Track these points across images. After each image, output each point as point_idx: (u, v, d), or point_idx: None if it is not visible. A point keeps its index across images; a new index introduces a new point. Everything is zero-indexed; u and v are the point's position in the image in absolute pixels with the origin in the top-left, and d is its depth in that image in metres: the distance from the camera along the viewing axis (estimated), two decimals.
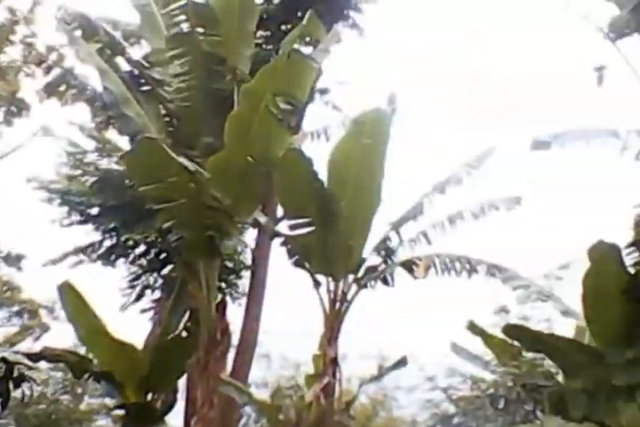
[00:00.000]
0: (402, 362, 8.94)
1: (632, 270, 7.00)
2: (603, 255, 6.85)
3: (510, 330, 7.49)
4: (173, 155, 6.83)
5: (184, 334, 8.51)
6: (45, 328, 13.78)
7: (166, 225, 7.58)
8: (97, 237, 10.62)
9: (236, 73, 7.44)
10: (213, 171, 7.24)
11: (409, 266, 7.98)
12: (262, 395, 11.04)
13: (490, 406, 8.53)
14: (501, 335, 8.52)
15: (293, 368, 11.86)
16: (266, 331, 11.29)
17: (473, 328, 8.67)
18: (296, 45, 6.73)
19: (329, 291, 8.23)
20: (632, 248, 7.04)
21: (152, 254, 10.84)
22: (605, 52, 7.69)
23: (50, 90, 8.01)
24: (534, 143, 6.37)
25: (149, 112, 7.74)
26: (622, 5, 7.71)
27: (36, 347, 13.04)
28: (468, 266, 7.67)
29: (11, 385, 8.66)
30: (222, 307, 9.78)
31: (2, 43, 7.65)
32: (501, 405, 8.47)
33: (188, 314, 8.57)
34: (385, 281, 8.18)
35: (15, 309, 13.78)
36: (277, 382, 11.69)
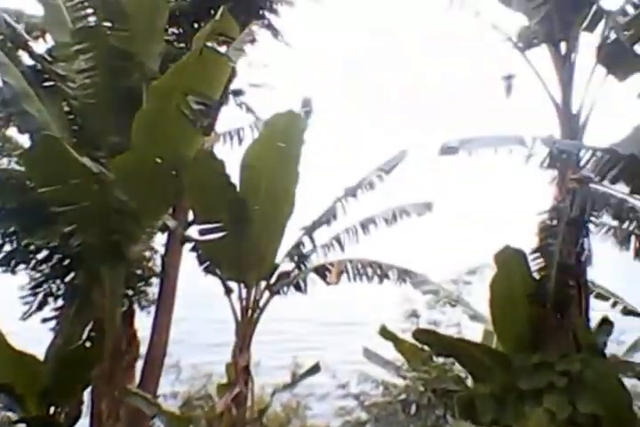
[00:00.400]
0: (315, 369, 8.92)
1: (537, 276, 7.19)
2: (509, 260, 7.04)
3: (420, 335, 7.56)
4: (75, 154, 6.48)
5: (87, 344, 8.04)
6: None
7: (68, 229, 7.22)
8: None
9: (144, 70, 7.14)
10: (119, 172, 6.92)
11: (322, 272, 7.93)
12: (173, 406, 10.64)
13: (402, 412, 8.52)
14: (412, 340, 8.63)
15: (205, 378, 11.50)
16: (176, 340, 10.92)
17: (385, 333, 8.66)
18: (209, 43, 6.46)
19: (241, 298, 8.05)
20: (536, 254, 7.24)
21: (55, 260, 10.28)
22: (515, 62, 7.92)
23: None
24: (443, 149, 6.43)
25: (51, 109, 7.34)
26: (531, 16, 7.96)
27: None
28: (379, 271, 7.70)
29: None
30: (130, 315, 9.51)
31: None
32: (413, 410, 8.47)
33: (91, 323, 8.18)
34: (298, 287, 8.07)
35: None
36: (188, 392, 11.29)
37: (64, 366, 7.82)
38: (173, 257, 10.25)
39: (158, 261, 10.71)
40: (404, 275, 7.59)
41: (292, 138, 7.71)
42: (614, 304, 8.14)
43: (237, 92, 10.32)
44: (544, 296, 6.97)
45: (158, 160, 7.02)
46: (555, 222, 7.21)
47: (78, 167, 6.57)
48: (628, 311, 8.11)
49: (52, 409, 7.97)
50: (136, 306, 10.51)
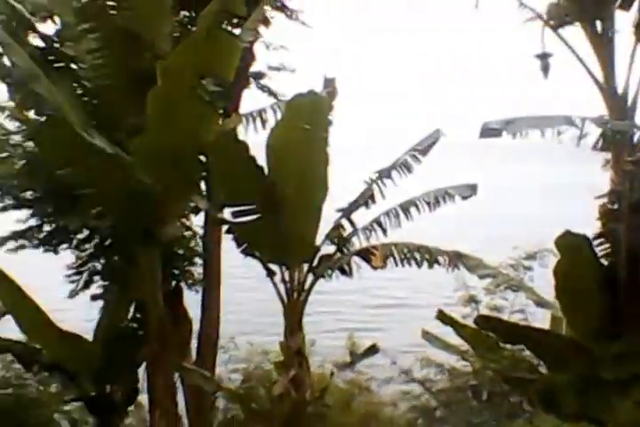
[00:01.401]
0: (372, 349, 8.61)
1: (604, 262, 6.52)
2: (571, 246, 6.41)
3: (483, 321, 6.99)
4: (86, 135, 6.07)
5: (133, 324, 8.21)
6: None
7: (94, 212, 7.04)
8: (23, 224, 9.84)
9: (155, 51, 6.56)
10: (138, 154, 6.52)
11: (366, 255, 7.50)
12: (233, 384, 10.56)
13: (472, 399, 8.09)
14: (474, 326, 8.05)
15: (261, 355, 11.30)
16: (227, 319, 10.69)
17: (443, 318, 8.12)
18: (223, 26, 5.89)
19: (284, 280, 7.71)
20: (601, 239, 6.56)
21: (97, 239, 10.07)
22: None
23: None
24: (483, 130, 5.91)
25: (64, 91, 6.85)
26: None
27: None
28: (428, 256, 7.21)
29: None
30: (178, 294, 9.30)
31: None
32: (484, 397, 8.03)
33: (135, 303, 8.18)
34: (342, 271, 7.71)
35: None
36: (246, 369, 11.12)
37: (113, 346, 7.89)
38: (213, 237, 9.90)
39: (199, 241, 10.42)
40: (456, 259, 7.09)
41: (318, 119, 7.19)
42: None
43: (258, 75, 9.79)
44: (615, 283, 6.26)
45: (176, 141, 6.53)
46: (616, 206, 6.50)
47: (91, 149, 6.19)
48: None
49: (107, 388, 8.06)
50: (184, 285, 10.32)
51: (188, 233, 9.78)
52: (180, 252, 9.79)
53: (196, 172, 7.03)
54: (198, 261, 10.26)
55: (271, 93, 9.96)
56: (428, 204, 7.66)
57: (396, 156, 8.15)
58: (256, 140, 7.44)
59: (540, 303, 7.50)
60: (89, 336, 8.22)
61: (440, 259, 7.15)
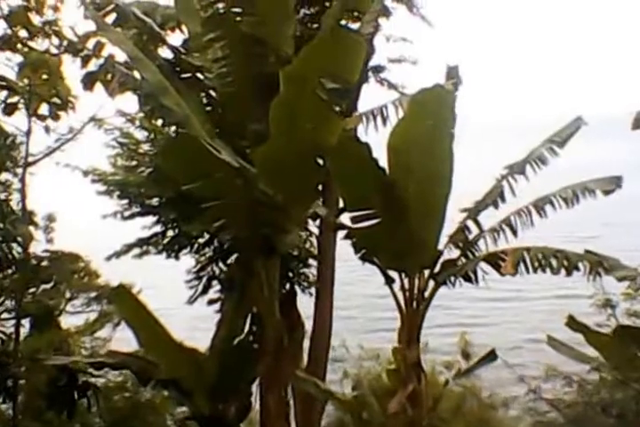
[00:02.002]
0: (490, 356, 8.05)
1: None
2: None
3: (624, 332, 6.48)
4: (214, 151, 6.15)
5: (249, 337, 7.97)
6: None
7: (217, 225, 7.04)
8: (148, 230, 10.23)
9: (279, 54, 6.61)
10: (261, 164, 6.56)
11: (494, 261, 6.98)
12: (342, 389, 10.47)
13: (602, 415, 7.48)
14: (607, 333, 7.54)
15: (373, 359, 11.17)
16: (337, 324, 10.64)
17: (572, 324, 7.63)
18: (342, 22, 5.79)
19: (403, 288, 7.41)
20: None
21: (216, 243, 10.33)
22: None
23: (89, 80, 7.43)
24: (637, 121, 5.37)
25: (191, 101, 7.05)
26: None
27: (116, 335, 13.07)
28: (566, 262, 6.55)
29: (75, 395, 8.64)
30: (291, 298, 9.34)
31: (19, 29, 7.00)
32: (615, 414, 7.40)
33: (251, 316, 8.02)
34: (467, 278, 7.24)
35: (93, 294, 13.72)
36: (358, 374, 11.02)
37: (229, 362, 7.73)
38: (328, 239, 9.88)
39: (314, 242, 10.44)
40: (597, 266, 6.40)
41: (443, 114, 6.87)
42: None
43: (377, 69, 9.61)
44: None
45: (300, 149, 6.53)
46: None
47: (218, 163, 6.27)
48: None
49: (221, 405, 7.89)
50: (297, 288, 10.40)
51: (303, 233, 9.82)
52: (295, 253, 9.89)
53: (317, 178, 6.98)
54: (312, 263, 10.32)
55: (391, 87, 9.73)
56: (565, 200, 7.00)
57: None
58: (376, 139, 7.23)
59: None
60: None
61: (580, 265, 6.51)
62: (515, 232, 7.28)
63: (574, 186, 7.07)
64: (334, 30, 5.74)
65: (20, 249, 9.93)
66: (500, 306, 19.93)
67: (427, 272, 7.46)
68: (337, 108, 6.27)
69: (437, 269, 7.45)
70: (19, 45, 7.21)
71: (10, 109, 7.45)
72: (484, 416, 11.12)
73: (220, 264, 10.40)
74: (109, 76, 7.27)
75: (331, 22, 5.73)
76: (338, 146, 6.56)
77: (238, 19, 6.72)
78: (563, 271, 6.67)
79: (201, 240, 10.38)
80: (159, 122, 8.91)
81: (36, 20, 7.06)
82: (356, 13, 6.31)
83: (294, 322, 8.60)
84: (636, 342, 6.48)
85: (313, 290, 10.57)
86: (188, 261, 10.74)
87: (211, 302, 10.46)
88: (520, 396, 9.64)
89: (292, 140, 6.41)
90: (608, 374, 7.60)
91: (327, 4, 8.74)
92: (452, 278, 7.33)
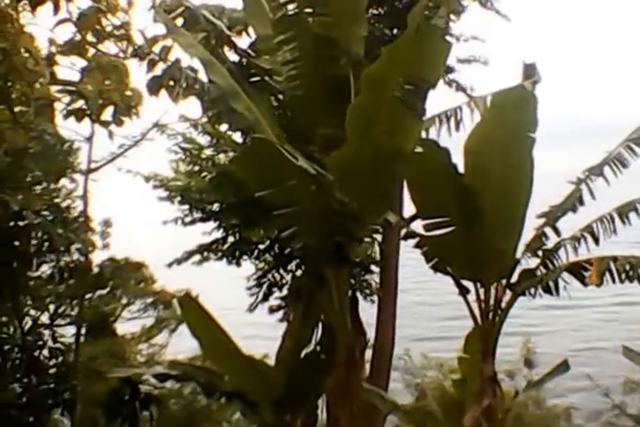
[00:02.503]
0: (563, 367, 7.73)
1: None
2: None
3: None
4: (291, 157, 5.95)
5: (319, 350, 7.81)
6: (181, 320, 13.66)
7: (287, 233, 6.82)
8: (209, 236, 10.11)
9: (350, 56, 6.40)
10: (336, 170, 6.32)
11: (577, 271, 6.65)
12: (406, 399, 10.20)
13: None
14: None
15: (436, 368, 10.89)
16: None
17: (629, 354, 7.22)
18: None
19: (479, 299, 7.11)
20: None
21: (277, 249, 10.16)
22: None
23: (155, 85, 7.32)
24: None
25: (260, 105, 6.87)
26: None
27: (172, 341, 12.99)
28: None
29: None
30: (354, 305, 9.11)
31: (87, 32, 6.91)
32: None
33: (321, 327, 7.87)
34: (547, 289, 6.86)
35: (149, 300, 13.69)
36: (421, 384, 10.74)
37: (297, 375, 7.55)
38: (392, 245, 9.63)
39: (376, 248, 10.19)
40: None
41: (524, 117, 6.56)
42: None
43: (447, 70, 9.27)
44: None
45: (377, 155, 6.28)
46: None
47: (293, 169, 6.05)
48: None
49: (287, 416, 7.71)
50: (359, 295, 10.16)
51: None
52: (357, 259, 9.65)
53: (392, 184, 6.75)
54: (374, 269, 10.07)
55: (459, 88, 9.46)
56: None
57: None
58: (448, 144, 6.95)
59: None
60: None
61: None
62: (597, 240, 6.89)
63: None
64: (421, 28, 5.45)
65: (79, 256, 9.90)
66: (557, 313, 19.34)
67: (503, 282, 7.13)
68: (416, 113, 6.02)
69: (515, 278, 7.14)
70: (87, 49, 7.10)
71: (80, 115, 7.36)
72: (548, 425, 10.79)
73: (282, 271, 10.23)
74: (173, 81, 7.16)
75: (416, 21, 5.46)
76: (416, 150, 6.32)
77: (310, 20, 6.53)
78: None
79: (261, 246, 10.22)
80: (223, 127, 8.78)
81: (105, 23, 6.95)
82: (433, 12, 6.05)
83: (357, 331, 8.40)
84: None
85: (374, 297, 10.31)
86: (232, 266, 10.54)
87: (272, 309, 10.30)
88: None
89: (369, 145, 6.18)
90: None
91: (397, 3, 8.53)
92: (532, 290, 6.97)
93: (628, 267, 6.26)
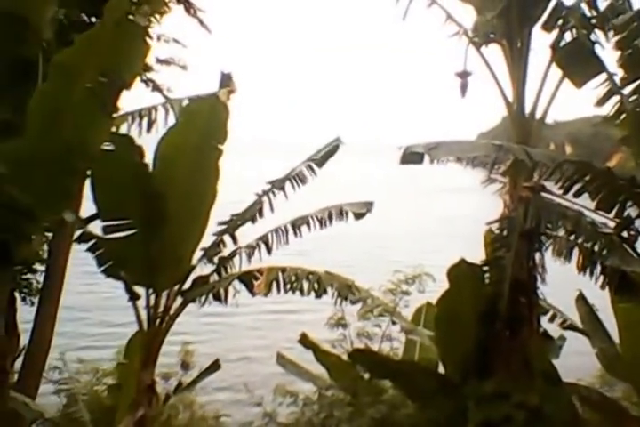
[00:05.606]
0: (214, 367, 7.93)
1: (488, 290, 6.71)
2: (461, 275, 6.48)
3: (357, 355, 6.85)
4: None
5: None
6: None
7: None
8: None
9: (40, 38, 5.77)
10: (9, 161, 5.62)
11: (248, 279, 6.87)
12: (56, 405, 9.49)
13: None
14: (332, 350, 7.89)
15: (92, 373, 10.35)
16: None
17: (305, 341, 7.86)
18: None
19: (148, 306, 6.99)
20: (486, 267, 6.77)
21: None
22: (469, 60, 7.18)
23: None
24: (405, 155, 5.73)
25: None
26: (488, 8, 7.28)
27: None
28: (316, 285, 6.65)
29: None
30: (11, 305, 8.29)
31: None
32: None
33: None
34: (218, 297, 6.98)
35: None
36: (74, 389, 10.09)
37: None
38: (62, 245, 8.97)
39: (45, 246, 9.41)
40: (346, 291, 6.59)
41: (215, 127, 6.66)
42: (552, 318, 7.76)
43: (145, 68, 8.99)
44: (494, 314, 6.46)
45: (60, 147, 5.76)
46: (505, 233, 6.72)
47: None
48: (568, 326, 7.78)
49: None
50: (17, 295, 9.25)
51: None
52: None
53: (75, 181, 6.21)
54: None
55: (156, 88, 9.19)
56: (321, 221, 7.15)
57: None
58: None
59: (409, 331, 7.51)
60: None
61: (328, 288, 6.59)
62: (270, 250, 7.27)
63: (331, 207, 7.30)
64: (121, 24, 5.13)
65: None
66: (216, 321, 19.67)
67: (176, 288, 7.12)
68: (109, 108, 5.68)
69: (188, 285, 7.17)
70: None
71: None
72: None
73: None
74: None
75: (117, 14, 5.12)
76: (106, 147, 6.04)
77: None
78: (312, 293, 6.76)
79: None
80: None
81: None
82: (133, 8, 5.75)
83: (10, 334, 7.67)
84: (367, 365, 6.87)
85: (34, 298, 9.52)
86: None
87: None
88: None
89: (51, 137, 5.62)
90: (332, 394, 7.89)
91: None
92: (203, 297, 7.02)
93: (294, 278, 6.68)
